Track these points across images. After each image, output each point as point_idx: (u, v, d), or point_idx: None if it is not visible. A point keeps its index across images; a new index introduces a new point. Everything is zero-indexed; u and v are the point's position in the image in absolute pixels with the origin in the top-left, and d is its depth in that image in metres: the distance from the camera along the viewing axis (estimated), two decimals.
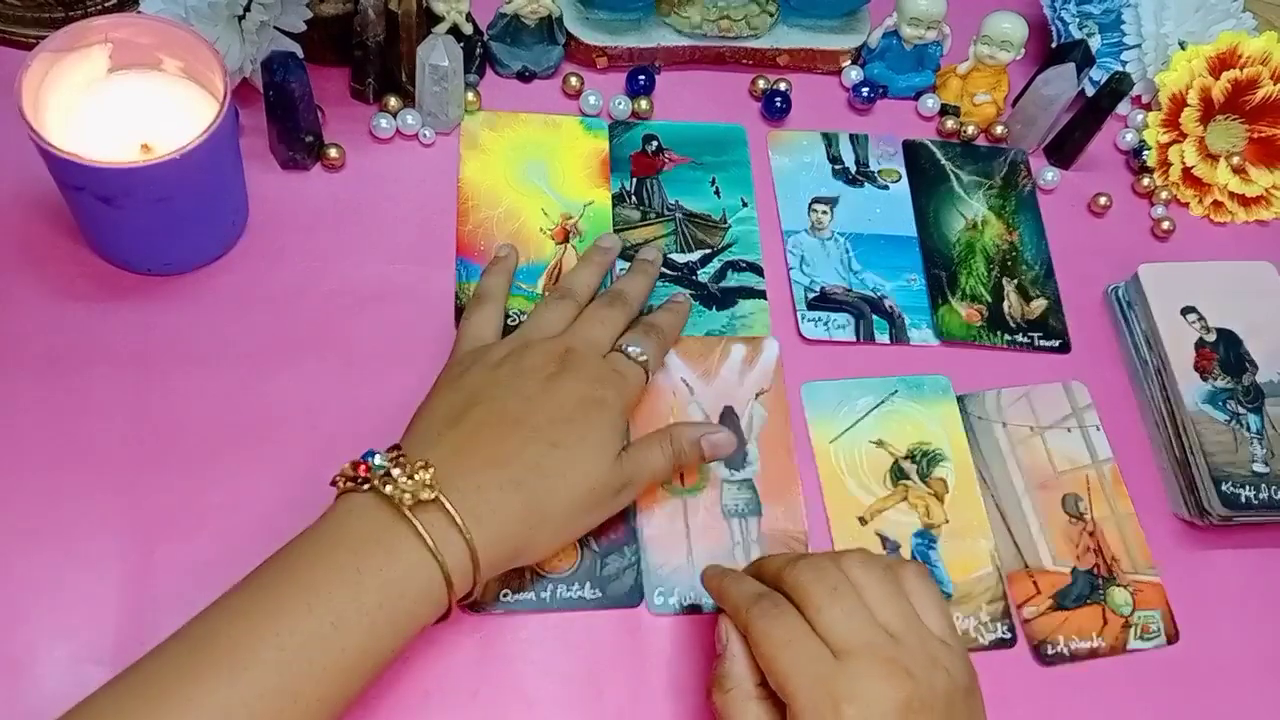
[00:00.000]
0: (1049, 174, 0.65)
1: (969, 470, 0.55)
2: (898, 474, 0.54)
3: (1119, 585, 0.53)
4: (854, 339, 0.58)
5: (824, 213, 0.61)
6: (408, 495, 0.41)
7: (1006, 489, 0.55)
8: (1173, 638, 0.53)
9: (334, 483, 0.43)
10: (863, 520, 0.53)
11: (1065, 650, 0.51)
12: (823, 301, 0.59)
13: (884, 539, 0.53)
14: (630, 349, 0.50)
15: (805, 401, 0.56)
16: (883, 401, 0.56)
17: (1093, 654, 0.51)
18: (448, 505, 0.41)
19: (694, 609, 0.49)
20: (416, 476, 0.41)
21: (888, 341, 0.58)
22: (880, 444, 0.55)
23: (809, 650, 0.41)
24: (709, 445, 0.50)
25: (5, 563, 0.46)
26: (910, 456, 0.55)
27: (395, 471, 0.42)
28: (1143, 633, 0.52)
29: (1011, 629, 0.51)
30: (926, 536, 0.53)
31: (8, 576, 0.45)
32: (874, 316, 0.59)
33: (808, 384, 0.56)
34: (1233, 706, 0.52)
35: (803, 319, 0.58)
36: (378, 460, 0.42)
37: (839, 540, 0.52)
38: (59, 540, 0.46)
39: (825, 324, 0.58)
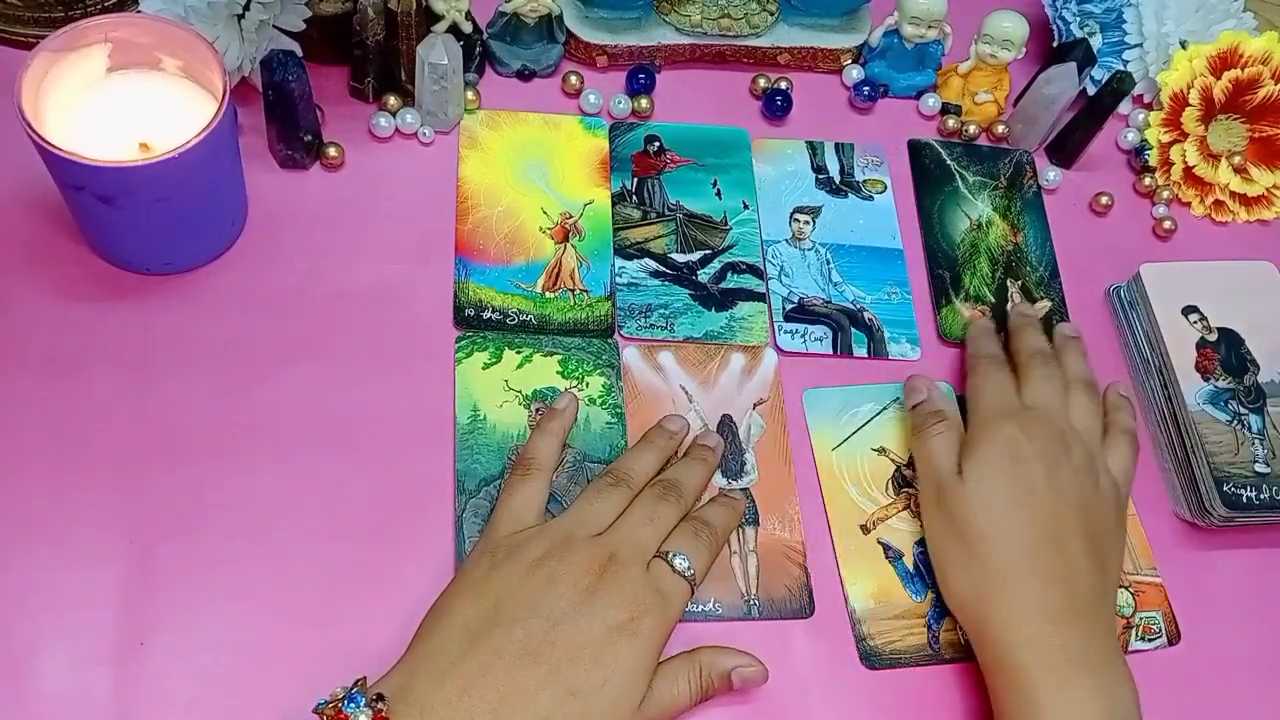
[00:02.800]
0: (1051, 173, 0.65)
1: None
2: (900, 482, 0.54)
3: (1121, 586, 0.53)
4: (831, 352, 0.57)
5: (805, 223, 0.61)
6: None
7: None
8: (1174, 639, 0.53)
9: (317, 711, 0.40)
10: (865, 529, 0.53)
11: None
12: (800, 313, 0.58)
13: (886, 547, 0.52)
14: (677, 560, 0.46)
15: (806, 408, 0.56)
16: (885, 409, 0.56)
17: None
18: None
19: (691, 617, 0.49)
20: None
21: (866, 355, 0.58)
22: (882, 451, 0.55)
23: (1007, 391, 0.52)
24: (739, 679, 0.46)
25: (5, 562, 0.46)
26: (912, 464, 0.54)
27: None
28: (1144, 634, 0.52)
29: None
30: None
31: (8, 576, 0.45)
32: (852, 329, 0.58)
33: (809, 390, 0.56)
34: (1234, 707, 0.52)
35: (780, 330, 0.57)
36: (360, 717, 0.39)
37: (841, 551, 0.52)
38: (59, 540, 0.46)
39: (802, 336, 0.58)
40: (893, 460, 0.55)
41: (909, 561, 0.52)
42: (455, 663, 0.41)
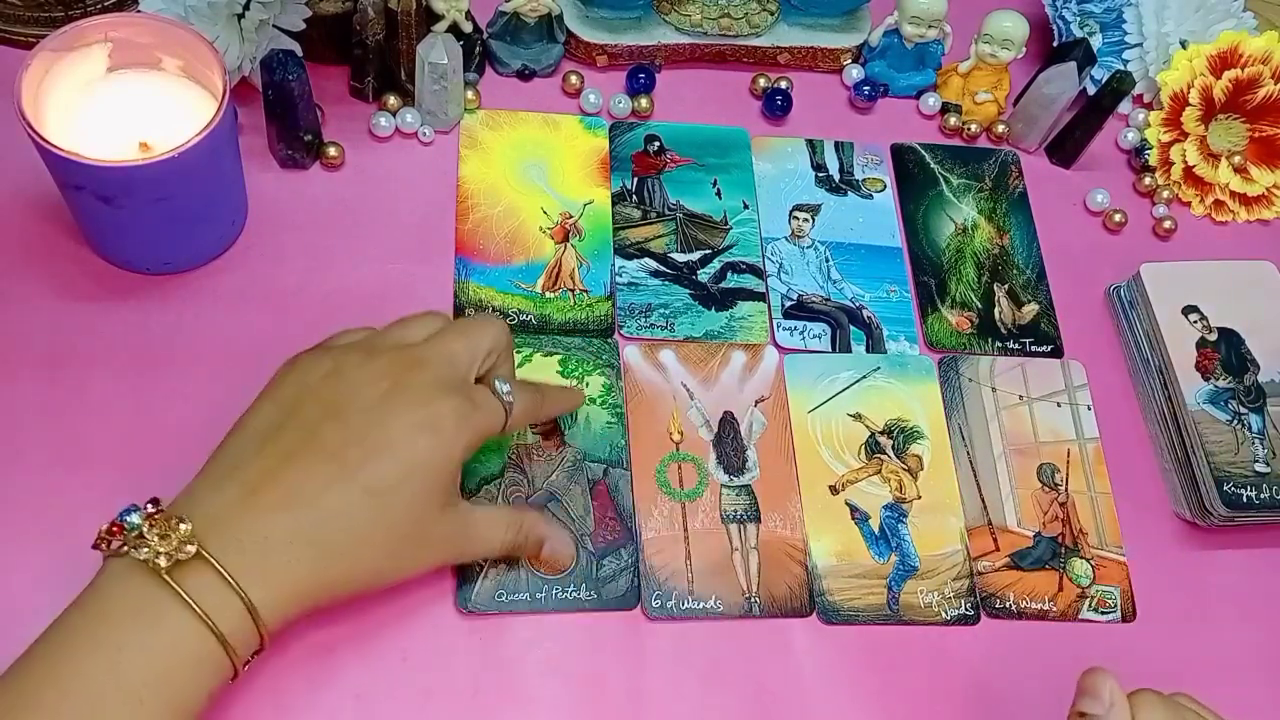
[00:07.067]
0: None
1: (945, 449, 0.55)
2: (873, 447, 0.55)
3: (1081, 557, 0.54)
4: (830, 349, 0.57)
5: (805, 220, 0.61)
6: (162, 558, 0.37)
7: (984, 449, 0.56)
8: (1129, 616, 0.53)
9: (95, 545, 0.39)
10: (834, 489, 0.53)
11: (1013, 607, 0.52)
12: (799, 310, 0.58)
13: (853, 509, 0.53)
14: (497, 383, 0.45)
15: (787, 371, 0.56)
16: (864, 376, 0.57)
17: (1042, 616, 0.52)
18: (216, 563, 0.37)
19: (691, 614, 0.49)
20: (173, 535, 0.37)
21: (864, 353, 0.58)
22: (858, 417, 0.56)
23: None
24: (549, 551, 0.47)
25: (5, 562, 0.46)
26: (887, 431, 0.55)
27: (148, 532, 0.38)
28: (1098, 605, 0.53)
29: (975, 607, 0.52)
30: (896, 510, 0.53)
31: (7, 576, 0.45)
32: (851, 327, 0.58)
33: (790, 355, 0.57)
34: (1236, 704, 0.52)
35: (778, 327, 0.58)
36: (133, 519, 0.38)
37: (808, 508, 0.53)
38: (59, 540, 0.46)
39: (801, 333, 0.58)
40: (867, 426, 0.55)
41: (875, 524, 0.53)
42: (240, 466, 0.40)
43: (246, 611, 0.38)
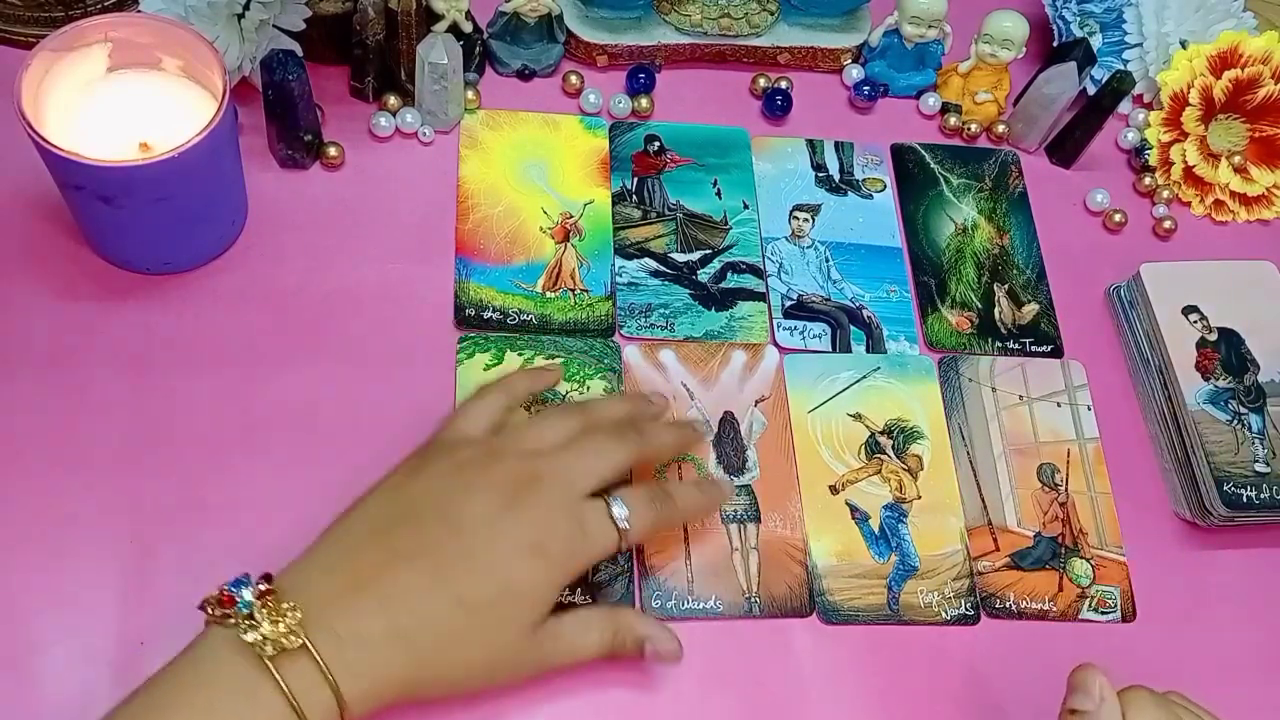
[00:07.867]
0: None
1: (945, 449, 0.56)
2: (873, 447, 0.55)
3: (1081, 557, 0.54)
4: (830, 349, 0.57)
5: (805, 220, 0.61)
6: (269, 646, 0.38)
7: (984, 449, 0.56)
8: (1129, 616, 0.53)
9: (202, 608, 0.40)
10: (834, 489, 0.54)
11: (1013, 607, 0.52)
12: (800, 310, 0.59)
13: (853, 509, 0.53)
14: (615, 507, 0.43)
15: (787, 371, 0.56)
16: (864, 376, 0.57)
17: (1042, 616, 0.52)
18: (316, 655, 0.38)
19: (691, 614, 0.49)
20: (282, 623, 0.38)
21: (864, 353, 0.58)
22: (858, 417, 0.56)
23: None
24: (652, 651, 0.45)
25: (5, 562, 0.46)
26: (887, 431, 0.55)
27: (260, 614, 0.38)
28: (1098, 605, 0.53)
29: (975, 607, 0.52)
30: (896, 510, 0.53)
31: (7, 576, 0.45)
32: (851, 327, 0.58)
33: (789, 355, 0.57)
34: (1231, 703, 0.52)
35: (779, 327, 0.58)
36: (245, 595, 0.39)
37: (808, 508, 0.53)
38: (59, 539, 0.46)
39: (801, 333, 0.58)
40: (867, 426, 0.55)
41: (875, 524, 0.53)
42: (350, 557, 0.41)
43: (335, 704, 0.39)
